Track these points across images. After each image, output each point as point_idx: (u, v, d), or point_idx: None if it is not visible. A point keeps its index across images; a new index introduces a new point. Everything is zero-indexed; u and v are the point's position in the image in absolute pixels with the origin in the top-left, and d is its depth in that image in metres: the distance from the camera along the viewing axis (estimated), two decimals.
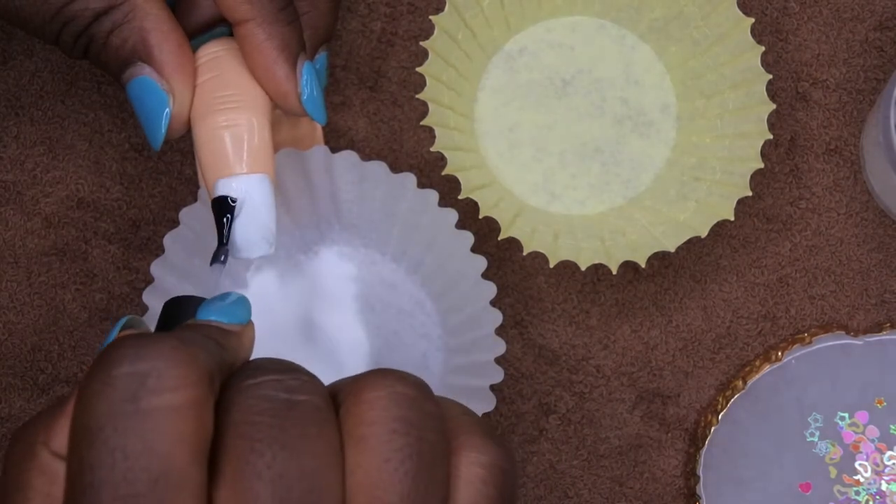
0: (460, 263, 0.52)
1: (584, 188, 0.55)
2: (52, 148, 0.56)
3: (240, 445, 0.34)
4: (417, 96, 0.52)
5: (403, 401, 0.36)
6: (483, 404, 0.50)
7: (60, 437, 0.36)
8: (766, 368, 0.54)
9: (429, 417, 0.36)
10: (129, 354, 0.34)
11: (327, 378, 0.52)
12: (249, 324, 0.40)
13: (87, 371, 0.34)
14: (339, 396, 0.37)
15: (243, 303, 0.40)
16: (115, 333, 0.40)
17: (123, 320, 0.40)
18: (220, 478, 0.34)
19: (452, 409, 0.38)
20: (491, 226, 0.55)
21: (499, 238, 0.51)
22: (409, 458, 0.35)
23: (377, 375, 0.36)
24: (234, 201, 0.46)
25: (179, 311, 0.41)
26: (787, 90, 0.56)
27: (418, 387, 0.36)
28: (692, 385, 0.55)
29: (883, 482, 0.53)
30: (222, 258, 0.46)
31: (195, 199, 0.55)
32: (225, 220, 0.46)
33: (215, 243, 0.52)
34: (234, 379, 0.36)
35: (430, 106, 0.52)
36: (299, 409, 0.35)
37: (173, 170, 0.56)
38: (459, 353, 0.53)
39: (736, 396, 0.54)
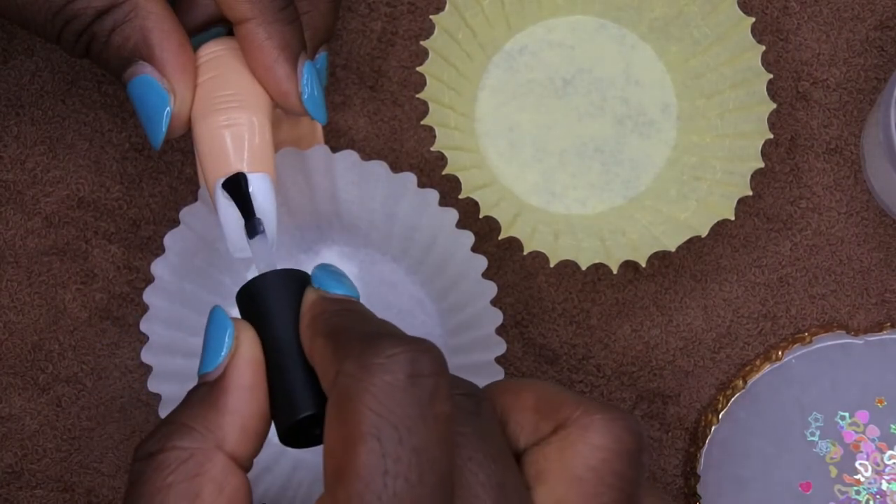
0: (460, 263, 0.51)
1: (585, 188, 0.55)
2: (52, 147, 0.56)
3: (457, 456, 0.35)
4: (418, 96, 0.52)
5: (626, 457, 0.36)
6: None
7: (232, 437, 0.37)
8: (767, 368, 0.54)
9: (641, 474, 0.36)
10: (414, 359, 0.35)
11: None
12: None
13: (356, 374, 0.35)
14: (555, 414, 0.37)
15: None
16: (229, 324, 0.39)
17: (217, 308, 0.40)
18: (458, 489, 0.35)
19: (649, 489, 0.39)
20: (491, 226, 0.55)
21: (499, 238, 0.51)
22: None
23: (610, 419, 0.36)
24: (244, 177, 0.46)
25: (267, 290, 0.40)
26: (787, 90, 0.57)
27: (643, 439, 0.37)
28: (692, 384, 0.55)
29: (883, 481, 0.53)
30: (261, 228, 0.45)
31: (196, 199, 0.55)
32: (244, 193, 0.46)
33: (215, 242, 0.52)
34: None
35: (431, 105, 0.52)
36: (488, 422, 0.36)
37: (174, 169, 0.56)
38: (460, 353, 0.53)
39: (736, 396, 0.54)
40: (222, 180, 0.46)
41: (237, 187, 0.46)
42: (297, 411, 0.38)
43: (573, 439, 0.36)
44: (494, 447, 0.36)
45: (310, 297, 0.39)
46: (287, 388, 0.38)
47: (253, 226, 0.45)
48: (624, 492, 0.36)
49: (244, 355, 0.38)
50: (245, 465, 0.38)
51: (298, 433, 0.39)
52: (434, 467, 0.33)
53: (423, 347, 0.35)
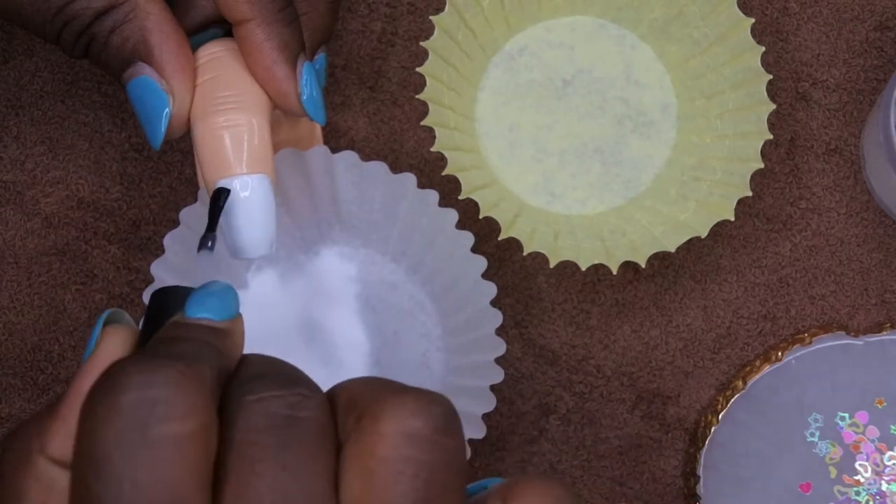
0: (460, 264, 0.52)
1: (585, 188, 0.55)
2: (52, 148, 0.56)
3: (240, 466, 0.33)
4: (417, 96, 0.52)
5: (417, 440, 0.34)
6: (483, 404, 0.50)
7: (56, 442, 0.36)
8: (766, 368, 0.54)
9: (444, 457, 0.34)
10: (136, 381, 0.33)
11: (326, 378, 0.52)
12: (239, 317, 0.38)
13: (89, 393, 0.33)
14: (356, 408, 0.35)
15: (231, 293, 0.38)
16: (98, 329, 0.39)
17: (106, 314, 0.39)
18: (222, 500, 0.33)
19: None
20: (491, 226, 0.55)
21: (499, 238, 0.51)
22: None
23: (398, 403, 0.34)
24: (229, 192, 0.46)
25: (167, 303, 0.39)
26: (787, 90, 0.57)
27: (440, 419, 0.34)
28: (692, 385, 0.55)
29: (883, 482, 0.53)
30: (209, 244, 0.44)
31: (195, 200, 0.55)
32: (219, 206, 0.45)
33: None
34: (234, 388, 0.35)
35: (431, 106, 0.52)
36: (301, 426, 0.34)
37: (173, 170, 0.56)
38: (459, 353, 0.53)
39: (736, 396, 0.54)
40: (222, 182, 0.46)
41: (216, 198, 0.45)
42: None
43: (364, 432, 0.34)
44: (295, 456, 0.33)
45: (170, 322, 0.38)
46: None
47: (203, 240, 0.44)
48: (419, 478, 0.33)
49: (93, 362, 0.37)
50: None
51: None
52: (151, 495, 0.32)
53: (150, 367, 0.32)
